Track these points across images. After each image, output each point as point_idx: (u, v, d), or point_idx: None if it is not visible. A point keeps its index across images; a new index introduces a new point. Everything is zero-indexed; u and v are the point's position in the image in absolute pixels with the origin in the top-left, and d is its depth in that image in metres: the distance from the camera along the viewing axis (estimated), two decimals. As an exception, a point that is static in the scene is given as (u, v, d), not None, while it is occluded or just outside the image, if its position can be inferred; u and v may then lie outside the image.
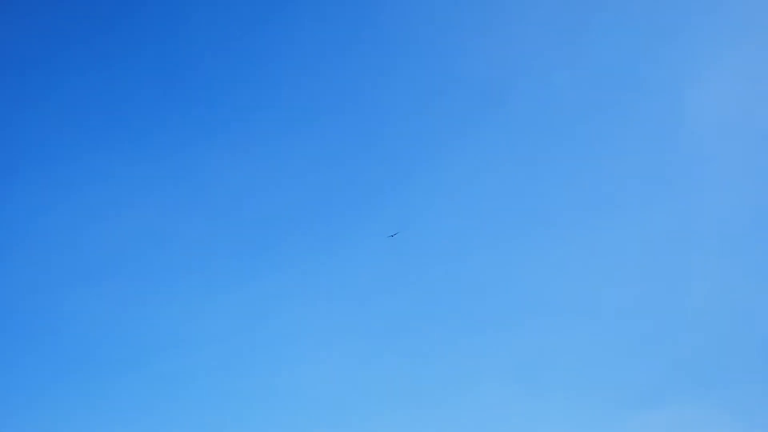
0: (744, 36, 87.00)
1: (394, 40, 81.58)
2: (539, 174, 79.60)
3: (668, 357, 75.26)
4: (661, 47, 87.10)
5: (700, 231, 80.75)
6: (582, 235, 78.77)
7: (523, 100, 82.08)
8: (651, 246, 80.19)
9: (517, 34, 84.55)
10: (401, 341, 69.82)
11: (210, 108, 75.21)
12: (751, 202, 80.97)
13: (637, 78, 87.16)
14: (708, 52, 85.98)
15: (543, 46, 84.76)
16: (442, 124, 79.17)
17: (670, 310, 77.17)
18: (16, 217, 71.83)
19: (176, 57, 78.59)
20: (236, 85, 77.15)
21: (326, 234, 68.57)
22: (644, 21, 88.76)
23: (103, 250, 69.17)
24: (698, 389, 73.40)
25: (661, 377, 74.71)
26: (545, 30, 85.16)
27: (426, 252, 73.27)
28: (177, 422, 65.84)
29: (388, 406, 67.66)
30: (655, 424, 70.68)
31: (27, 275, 68.42)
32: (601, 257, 79.23)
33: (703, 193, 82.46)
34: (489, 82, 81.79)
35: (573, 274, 78.11)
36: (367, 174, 75.48)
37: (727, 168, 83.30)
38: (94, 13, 79.39)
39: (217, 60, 79.35)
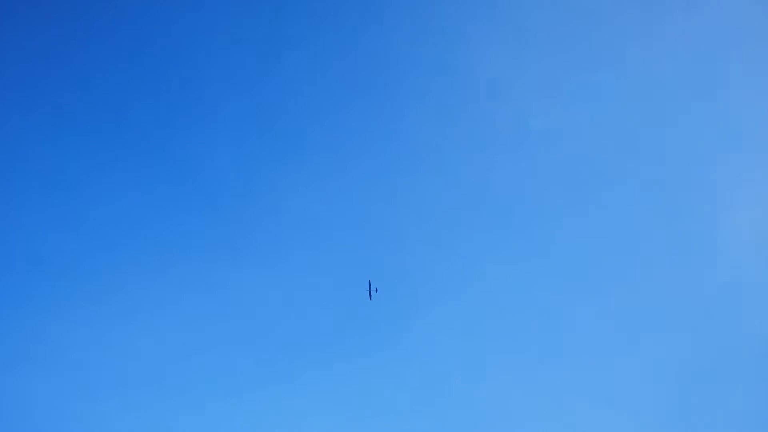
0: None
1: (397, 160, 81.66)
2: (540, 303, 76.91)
3: None
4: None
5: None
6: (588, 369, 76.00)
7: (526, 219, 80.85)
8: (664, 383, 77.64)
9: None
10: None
11: (226, 223, 75.67)
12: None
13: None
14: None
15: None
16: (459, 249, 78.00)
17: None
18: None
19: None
20: (252, 200, 77.44)
21: (345, 355, 67.50)
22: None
23: (124, 362, 68.93)
24: None
25: None
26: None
27: (441, 376, 71.50)
28: None
29: None
30: None
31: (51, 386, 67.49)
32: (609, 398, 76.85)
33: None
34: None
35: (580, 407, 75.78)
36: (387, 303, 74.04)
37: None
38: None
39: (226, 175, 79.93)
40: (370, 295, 60.54)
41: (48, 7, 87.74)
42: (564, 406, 73.50)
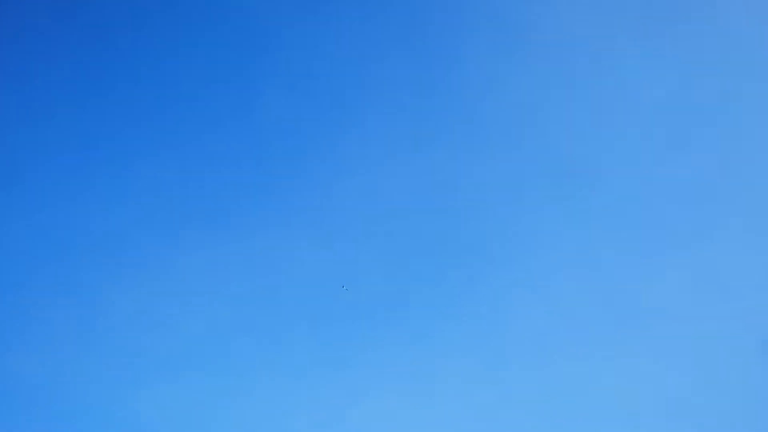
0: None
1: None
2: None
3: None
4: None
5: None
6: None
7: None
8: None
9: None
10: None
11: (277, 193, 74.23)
12: None
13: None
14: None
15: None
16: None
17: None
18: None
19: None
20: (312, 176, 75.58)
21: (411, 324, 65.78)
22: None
23: (180, 341, 68.03)
24: None
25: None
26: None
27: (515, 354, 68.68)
28: None
29: None
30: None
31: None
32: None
33: None
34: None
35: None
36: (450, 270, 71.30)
37: None
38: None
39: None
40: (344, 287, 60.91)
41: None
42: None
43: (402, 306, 33.13)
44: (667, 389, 29.95)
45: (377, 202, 37.90)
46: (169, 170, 45.45)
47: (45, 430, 30.80)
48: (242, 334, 35.06)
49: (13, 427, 30.68)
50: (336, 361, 31.81)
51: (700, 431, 28.79)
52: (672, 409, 29.01)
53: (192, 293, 36.76)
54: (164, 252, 38.71)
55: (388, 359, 31.06)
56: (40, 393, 33.30)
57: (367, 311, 32.73)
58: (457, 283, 32.53)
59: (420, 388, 30.43)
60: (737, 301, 31.42)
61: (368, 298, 30.86)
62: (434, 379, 30.33)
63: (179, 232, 40.32)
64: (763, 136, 36.30)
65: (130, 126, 44.51)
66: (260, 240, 38.54)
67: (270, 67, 45.60)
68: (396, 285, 33.44)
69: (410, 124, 38.45)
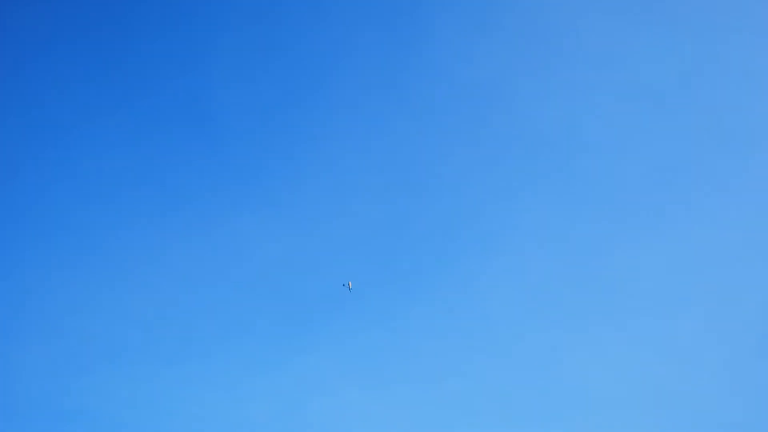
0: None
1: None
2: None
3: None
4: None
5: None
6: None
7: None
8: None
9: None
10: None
11: (244, 178, 72.53)
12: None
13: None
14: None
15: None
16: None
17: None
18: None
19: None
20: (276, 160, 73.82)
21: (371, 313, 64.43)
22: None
23: (124, 326, 65.82)
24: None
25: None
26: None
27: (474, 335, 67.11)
28: None
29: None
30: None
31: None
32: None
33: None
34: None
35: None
36: (409, 250, 69.16)
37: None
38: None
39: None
40: (349, 287, 59.92)
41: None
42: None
43: (369, 290, 31.89)
44: (645, 372, 29.78)
45: (345, 186, 36.67)
46: (134, 159, 44.13)
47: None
48: (200, 321, 33.36)
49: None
50: (298, 347, 30.60)
51: (679, 411, 28.67)
52: (653, 391, 28.90)
53: (148, 280, 35.13)
54: (122, 240, 36.74)
55: (354, 344, 29.87)
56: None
57: (333, 297, 31.68)
58: (425, 267, 31.52)
59: (385, 374, 29.14)
60: (722, 286, 31.22)
61: (334, 284, 30.00)
62: (401, 366, 29.15)
63: (141, 220, 38.77)
64: (750, 124, 35.91)
65: (99, 120, 43.49)
66: (226, 227, 37.06)
67: (238, 59, 44.43)
68: (363, 269, 32.35)
69: (380, 104, 37.62)
